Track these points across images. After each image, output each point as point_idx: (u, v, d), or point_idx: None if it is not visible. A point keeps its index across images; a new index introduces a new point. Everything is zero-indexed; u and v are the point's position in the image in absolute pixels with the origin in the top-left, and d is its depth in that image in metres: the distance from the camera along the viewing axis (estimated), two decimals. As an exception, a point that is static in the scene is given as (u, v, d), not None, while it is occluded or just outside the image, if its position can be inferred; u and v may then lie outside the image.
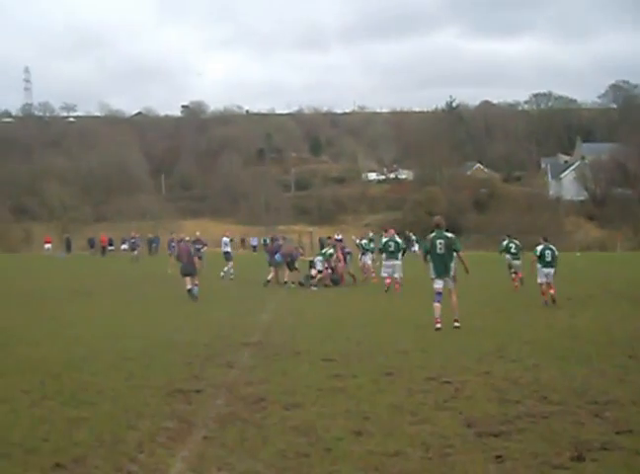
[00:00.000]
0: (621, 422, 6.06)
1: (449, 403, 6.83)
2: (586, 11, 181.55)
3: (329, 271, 23.17)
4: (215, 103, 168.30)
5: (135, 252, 44.05)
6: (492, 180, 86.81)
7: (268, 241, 62.22)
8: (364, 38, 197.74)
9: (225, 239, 29.01)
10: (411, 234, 42.53)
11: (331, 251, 23.37)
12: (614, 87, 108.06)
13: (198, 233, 32.15)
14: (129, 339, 11.43)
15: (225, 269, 27.08)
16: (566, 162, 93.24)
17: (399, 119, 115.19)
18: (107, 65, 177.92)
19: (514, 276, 21.84)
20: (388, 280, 20.66)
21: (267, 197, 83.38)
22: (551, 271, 16.68)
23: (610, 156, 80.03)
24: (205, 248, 30.05)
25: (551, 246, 17.17)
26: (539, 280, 16.79)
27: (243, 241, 65.78)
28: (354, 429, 5.96)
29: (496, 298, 18.40)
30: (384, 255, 21.16)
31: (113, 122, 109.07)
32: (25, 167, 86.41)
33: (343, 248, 25.03)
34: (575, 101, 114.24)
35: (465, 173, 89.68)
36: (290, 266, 23.04)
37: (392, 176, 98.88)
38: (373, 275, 24.54)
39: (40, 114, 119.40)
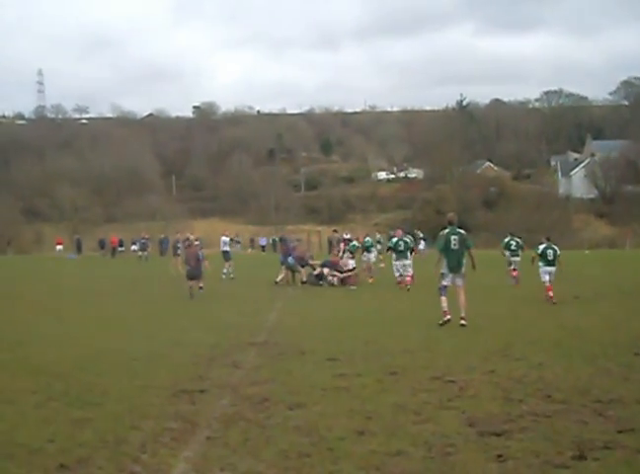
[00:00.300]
0: (624, 420, 6.05)
1: (453, 402, 6.82)
2: (597, 7, 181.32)
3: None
4: (227, 103, 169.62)
5: (145, 252, 44.20)
6: (501, 178, 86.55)
7: (277, 240, 62.59)
8: (375, 37, 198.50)
9: (224, 238, 28.54)
10: (419, 232, 42.48)
11: (354, 243, 23.97)
12: (626, 84, 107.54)
13: (191, 236, 31.19)
14: (136, 339, 11.51)
15: (225, 270, 26.93)
16: (576, 160, 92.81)
17: (410, 118, 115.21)
18: (119, 67, 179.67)
19: (513, 273, 22.27)
20: (400, 280, 20.97)
21: (276, 196, 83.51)
22: (553, 269, 16.95)
23: (621, 153, 79.70)
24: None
25: (553, 246, 17.43)
26: (543, 279, 16.98)
27: (252, 241, 65.82)
28: (356, 428, 5.97)
29: (502, 297, 18.36)
30: (394, 255, 21.45)
31: (124, 124, 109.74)
32: (37, 169, 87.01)
33: (346, 244, 25.00)
34: (586, 98, 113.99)
35: (475, 171, 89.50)
36: (303, 266, 23.59)
37: (402, 175, 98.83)
38: (371, 274, 24.72)
39: (53, 115, 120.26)
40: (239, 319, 14.13)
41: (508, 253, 23.11)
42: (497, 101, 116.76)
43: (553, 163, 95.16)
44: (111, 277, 29.99)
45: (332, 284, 22.67)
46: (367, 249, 25.12)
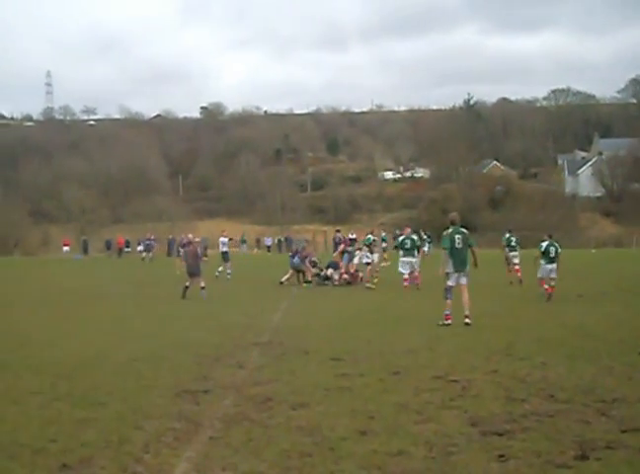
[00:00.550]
0: (627, 420, 6.03)
1: (455, 402, 6.82)
2: (605, 5, 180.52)
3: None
4: (234, 104, 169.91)
5: (149, 253, 44.24)
6: (508, 177, 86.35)
7: (282, 241, 62.70)
8: (383, 36, 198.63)
9: (223, 239, 28.12)
10: (423, 233, 42.40)
11: (369, 236, 24.19)
12: (634, 82, 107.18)
13: (190, 235, 31.10)
14: (141, 340, 11.54)
15: (220, 269, 26.80)
16: (583, 158, 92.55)
17: (416, 118, 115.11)
18: (126, 68, 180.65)
19: (516, 267, 22.49)
20: (406, 278, 20.96)
21: (282, 197, 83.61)
22: (554, 266, 17.15)
23: (628, 151, 79.40)
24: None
25: (555, 243, 17.62)
26: (540, 275, 17.28)
27: (258, 241, 65.94)
28: (358, 428, 5.98)
29: (506, 296, 18.35)
30: (401, 252, 21.52)
31: (132, 125, 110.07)
32: (45, 170, 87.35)
33: (346, 246, 24.80)
34: (593, 96, 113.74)
35: (482, 170, 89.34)
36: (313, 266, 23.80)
37: (408, 174, 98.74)
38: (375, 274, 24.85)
39: (61, 117, 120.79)
40: (243, 319, 14.15)
41: (507, 249, 23.51)
42: (504, 100, 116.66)
43: (560, 162, 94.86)
44: (115, 278, 30.08)
45: (336, 285, 22.70)
46: (370, 248, 25.27)
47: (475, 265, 13.06)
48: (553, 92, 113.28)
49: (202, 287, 19.07)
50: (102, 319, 14.88)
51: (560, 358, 8.90)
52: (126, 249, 54.49)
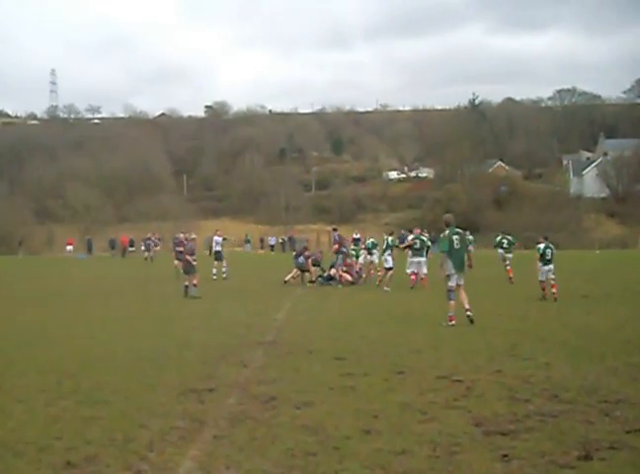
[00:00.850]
0: (631, 421, 6.03)
1: (459, 402, 6.83)
2: (611, 5, 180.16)
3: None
4: (238, 103, 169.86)
5: (150, 253, 44.19)
6: (512, 177, 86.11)
7: (286, 240, 62.70)
8: (388, 36, 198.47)
9: (217, 238, 27.77)
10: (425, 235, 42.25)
11: (372, 240, 24.20)
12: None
13: (181, 234, 30.44)
14: (145, 338, 11.58)
15: (214, 270, 26.60)
16: (588, 159, 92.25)
17: (421, 118, 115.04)
18: (131, 67, 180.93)
19: (508, 268, 23.30)
20: (413, 277, 21.23)
21: (287, 196, 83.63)
22: (551, 267, 17.53)
23: (634, 152, 79.08)
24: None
25: (550, 245, 18.05)
26: (541, 278, 17.57)
27: (262, 241, 65.98)
28: (363, 427, 5.99)
29: (510, 297, 18.34)
30: (410, 252, 21.58)
31: (136, 124, 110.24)
32: (49, 169, 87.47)
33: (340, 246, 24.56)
34: (599, 96, 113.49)
35: (486, 171, 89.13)
36: (315, 265, 23.88)
37: (413, 174, 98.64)
38: (372, 273, 24.87)
39: (66, 116, 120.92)
40: (247, 318, 14.17)
41: (501, 251, 24.88)
42: (509, 100, 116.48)
43: (565, 162, 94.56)
44: (120, 277, 30.12)
45: (341, 284, 22.73)
46: (370, 251, 25.28)
47: (470, 266, 13.14)
48: (558, 92, 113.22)
49: (194, 285, 19.34)
50: (106, 318, 14.93)
51: (564, 359, 8.90)
52: (131, 248, 54.48)
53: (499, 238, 25.71)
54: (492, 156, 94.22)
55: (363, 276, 24.35)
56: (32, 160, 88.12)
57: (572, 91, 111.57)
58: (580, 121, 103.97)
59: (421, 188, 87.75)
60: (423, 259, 21.44)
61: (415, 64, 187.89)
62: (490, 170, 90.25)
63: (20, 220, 72.30)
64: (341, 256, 23.48)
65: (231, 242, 47.71)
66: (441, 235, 13.30)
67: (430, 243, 23.42)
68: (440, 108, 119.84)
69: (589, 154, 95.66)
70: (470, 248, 13.63)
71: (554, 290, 16.99)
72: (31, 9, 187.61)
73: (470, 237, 33.33)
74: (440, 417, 6.28)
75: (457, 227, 13.33)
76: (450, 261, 12.79)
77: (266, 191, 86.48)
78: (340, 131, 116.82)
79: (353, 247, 28.08)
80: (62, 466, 5.16)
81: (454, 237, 12.90)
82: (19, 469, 5.13)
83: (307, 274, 23.76)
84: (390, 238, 22.60)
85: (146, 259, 43.25)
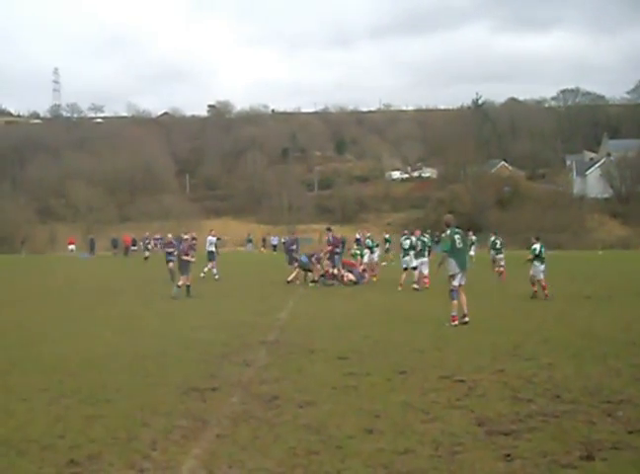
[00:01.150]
0: (634, 421, 6.04)
1: (462, 401, 6.84)
2: (615, 5, 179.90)
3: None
4: (241, 102, 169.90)
5: (149, 252, 44.20)
6: (516, 178, 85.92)
7: (287, 240, 62.50)
8: (390, 35, 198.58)
9: (211, 238, 27.38)
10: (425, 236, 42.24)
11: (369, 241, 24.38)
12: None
13: (169, 235, 28.80)
14: (148, 338, 11.58)
15: (206, 269, 26.34)
16: (592, 159, 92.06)
17: (424, 117, 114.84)
18: (134, 66, 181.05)
19: (500, 268, 24.02)
20: (427, 280, 21.19)
21: (289, 196, 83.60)
22: (544, 266, 18.02)
23: (637, 152, 78.88)
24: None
25: (542, 245, 18.48)
26: (540, 276, 17.85)
27: (264, 240, 65.95)
28: (365, 427, 6.00)
29: (512, 297, 18.33)
30: (411, 253, 21.60)
31: (139, 123, 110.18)
32: (52, 168, 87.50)
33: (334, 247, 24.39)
34: (603, 97, 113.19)
35: (490, 171, 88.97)
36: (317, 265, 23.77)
37: (416, 174, 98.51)
38: (375, 273, 24.99)
39: (68, 115, 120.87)
40: (250, 318, 14.18)
41: (492, 252, 25.75)
42: (512, 100, 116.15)
43: (568, 162, 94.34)
44: (122, 277, 30.12)
45: (343, 284, 22.75)
46: (371, 249, 25.42)
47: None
48: (562, 92, 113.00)
49: (179, 286, 19.37)
50: (109, 317, 14.93)
51: (566, 359, 8.90)
52: (133, 247, 54.53)
53: (492, 239, 26.66)
54: (495, 156, 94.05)
55: (367, 276, 24.36)
56: (34, 159, 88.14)
57: (576, 91, 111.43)
58: (583, 122, 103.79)
59: (424, 188, 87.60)
60: (424, 259, 21.47)
61: (418, 64, 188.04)
62: (493, 170, 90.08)
63: (22, 219, 72.42)
64: (337, 257, 23.49)
65: (224, 242, 47.61)
66: (443, 235, 13.38)
67: (431, 243, 23.52)
68: (443, 108, 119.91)
69: (592, 154, 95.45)
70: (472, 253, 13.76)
71: (546, 291, 17.42)
72: (33, 8, 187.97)
73: (474, 238, 33.62)
74: (442, 416, 6.29)
75: (458, 227, 13.39)
76: (454, 260, 12.85)
77: (268, 190, 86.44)
78: (343, 131, 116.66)
79: (355, 247, 28.07)
80: (65, 464, 5.18)
81: (456, 237, 12.95)
82: (22, 467, 5.15)
83: (310, 273, 23.76)
84: (424, 238, 22.31)
85: (146, 258, 43.34)
